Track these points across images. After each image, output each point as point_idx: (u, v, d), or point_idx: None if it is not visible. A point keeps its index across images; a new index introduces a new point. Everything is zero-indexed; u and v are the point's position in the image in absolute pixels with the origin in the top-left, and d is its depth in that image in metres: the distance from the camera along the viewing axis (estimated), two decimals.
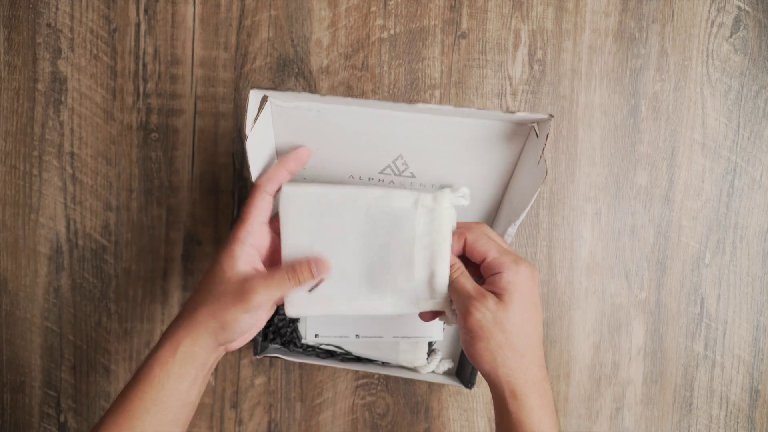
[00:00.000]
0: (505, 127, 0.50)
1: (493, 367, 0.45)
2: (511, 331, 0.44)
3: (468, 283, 0.47)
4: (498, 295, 0.45)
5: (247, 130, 0.46)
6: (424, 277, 0.49)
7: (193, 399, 0.48)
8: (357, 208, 0.49)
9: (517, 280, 0.45)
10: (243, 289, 0.46)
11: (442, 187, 0.56)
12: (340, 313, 0.50)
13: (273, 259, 0.50)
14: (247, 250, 0.47)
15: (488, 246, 0.47)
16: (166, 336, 0.47)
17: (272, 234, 0.50)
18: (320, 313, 0.50)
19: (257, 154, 0.50)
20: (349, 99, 0.47)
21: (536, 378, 0.46)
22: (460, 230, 0.49)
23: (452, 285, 0.47)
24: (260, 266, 0.49)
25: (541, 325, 0.47)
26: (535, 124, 0.49)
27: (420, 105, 0.46)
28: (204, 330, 0.46)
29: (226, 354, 0.66)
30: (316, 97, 0.47)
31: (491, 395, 0.47)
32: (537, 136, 0.48)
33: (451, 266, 0.48)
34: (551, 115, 0.46)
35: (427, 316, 0.51)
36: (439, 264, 0.48)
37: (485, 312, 0.44)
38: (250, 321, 0.47)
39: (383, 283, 0.50)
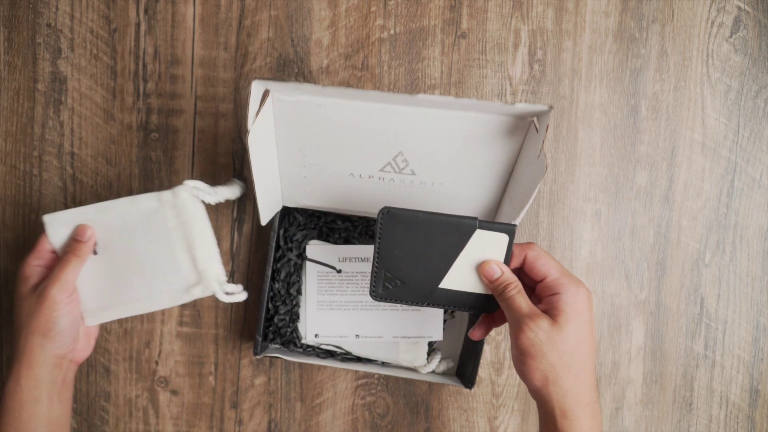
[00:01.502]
0: (505, 121, 0.50)
1: (544, 385, 0.45)
2: (566, 352, 0.45)
3: (524, 302, 0.47)
4: (554, 316, 0.46)
5: (249, 124, 0.46)
6: (188, 265, 0.55)
7: (58, 415, 0.52)
8: (113, 220, 0.55)
9: (576, 302, 0.46)
10: (39, 291, 0.52)
11: (442, 184, 0.56)
12: (129, 315, 0.57)
13: None
14: (34, 270, 0.54)
15: (550, 265, 0.48)
16: (7, 377, 0.51)
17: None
18: (113, 318, 0.56)
19: (258, 149, 0.50)
20: (350, 90, 0.47)
21: (589, 399, 0.46)
22: (521, 247, 0.50)
23: (507, 302, 0.47)
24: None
25: (594, 349, 0.47)
26: (535, 119, 0.49)
27: (421, 96, 0.46)
28: (32, 348, 0.50)
29: (226, 354, 0.66)
30: (318, 88, 0.47)
31: (538, 413, 0.48)
32: (537, 131, 0.48)
33: (509, 284, 0.48)
34: (551, 106, 0.46)
35: (477, 333, 0.53)
36: (198, 249, 0.55)
37: (538, 332, 0.45)
38: (65, 315, 0.51)
39: (158, 280, 0.55)
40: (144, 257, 0.55)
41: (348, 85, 0.64)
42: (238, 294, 0.57)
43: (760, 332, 0.67)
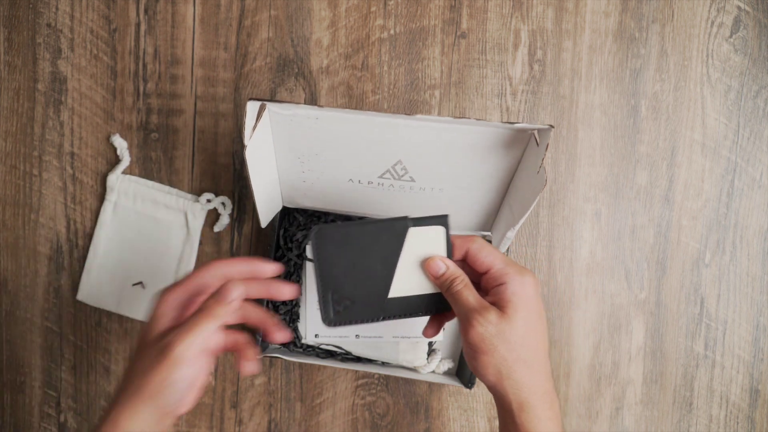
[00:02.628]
0: (505, 133, 0.50)
1: (498, 379, 0.45)
2: (516, 343, 0.44)
3: (471, 295, 0.46)
4: (502, 307, 0.45)
5: (246, 140, 0.46)
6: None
7: None
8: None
9: (522, 291, 0.45)
10: (163, 345, 0.44)
11: (442, 190, 0.56)
12: None
13: None
14: (167, 312, 0.46)
15: (493, 256, 0.47)
16: (105, 415, 0.44)
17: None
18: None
19: (257, 161, 0.50)
20: (347, 111, 0.47)
21: (544, 389, 0.45)
22: (463, 240, 0.48)
23: (455, 297, 0.46)
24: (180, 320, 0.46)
25: (546, 336, 0.47)
26: (536, 131, 0.49)
27: (419, 116, 0.46)
28: (140, 401, 0.43)
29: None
30: (314, 110, 0.47)
31: (496, 408, 0.47)
32: (537, 144, 0.48)
33: (455, 278, 0.47)
34: (551, 126, 0.46)
35: (430, 332, 0.52)
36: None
37: (487, 325, 0.44)
38: (184, 378, 0.43)
39: None
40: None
41: (348, 84, 0.64)
42: None
43: (760, 332, 0.67)
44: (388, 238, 0.48)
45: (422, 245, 0.48)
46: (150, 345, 0.45)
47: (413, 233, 0.48)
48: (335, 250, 0.48)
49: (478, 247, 0.47)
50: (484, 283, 0.48)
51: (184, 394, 0.44)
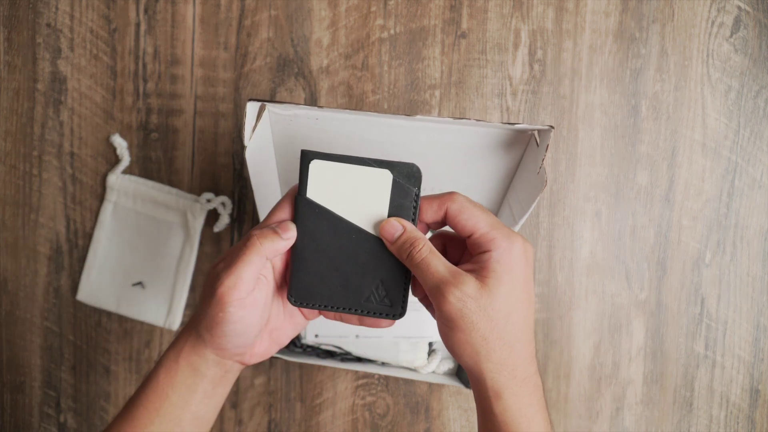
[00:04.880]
0: (505, 134, 0.50)
1: (476, 361, 0.38)
2: (499, 319, 0.38)
3: (439, 263, 0.38)
4: (483, 277, 0.38)
5: (246, 140, 0.46)
6: None
7: (205, 414, 0.43)
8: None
9: (509, 259, 0.38)
10: (211, 278, 0.39)
11: (441, 190, 0.56)
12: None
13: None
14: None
15: (476, 218, 0.39)
16: (172, 342, 0.43)
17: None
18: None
19: (257, 161, 0.50)
20: (347, 111, 0.47)
21: (526, 373, 0.39)
22: (440, 199, 0.40)
23: (419, 267, 0.38)
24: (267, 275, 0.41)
25: (533, 312, 0.40)
26: (536, 132, 0.49)
27: (419, 117, 0.46)
28: (201, 339, 0.41)
29: None
30: (314, 108, 0.47)
31: (473, 392, 0.41)
32: (537, 145, 0.48)
33: (414, 241, 0.39)
34: (551, 126, 0.45)
35: (419, 292, 0.43)
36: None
37: (464, 298, 0.37)
38: (233, 322, 0.39)
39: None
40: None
41: (348, 84, 0.64)
42: None
43: (760, 332, 0.67)
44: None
45: (368, 198, 0.40)
46: (209, 273, 0.40)
47: (378, 176, 0.40)
48: (315, 220, 0.41)
49: (459, 207, 0.40)
50: (469, 248, 0.41)
51: (240, 338, 0.40)
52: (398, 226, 0.39)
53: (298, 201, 0.41)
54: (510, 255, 0.38)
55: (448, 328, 0.38)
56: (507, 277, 0.38)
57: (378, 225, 0.41)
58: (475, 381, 0.40)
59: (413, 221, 0.40)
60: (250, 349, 0.42)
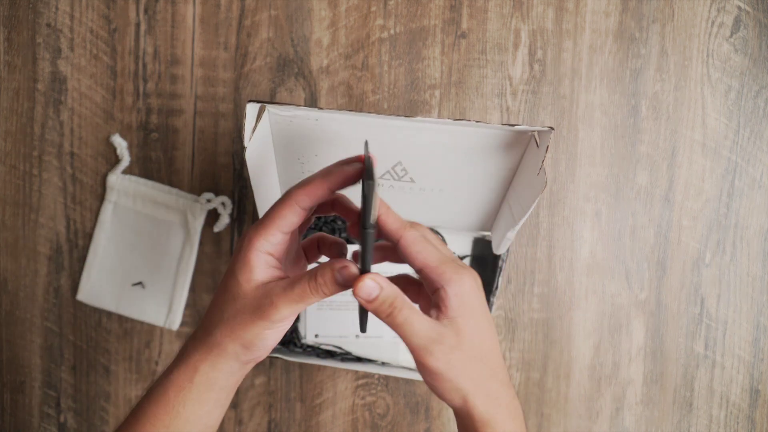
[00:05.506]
0: (505, 135, 0.50)
1: (464, 401, 0.41)
2: (475, 357, 0.40)
3: (421, 321, 0.39)
4: (451, 317, 0.40)
5: (246, 141, 0.46)
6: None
7: (214, 422, 0.44)
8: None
9: (463, 294, 0.40)
10: (263, 303, 0.40)
11: (442, 190, 0.56)
12: None
13: (292, 270, 0.46)
14: (264, 259, 0.41)
15: (426, 252, 0.40)
16: (181, 357, 0.42)
17: (294, 245, 0.45)
18: None
19: (257, 162, 0.50)
20: (347, 112, 0.47)
21: (508, 399, 0.42)
22: (397, 226, 0.41)
23: (402, 328, 0.39)
24: (279, 273, 0.42)
25: (496, 339, 0.42)
26: (536, 133, 0.49)
27: (419, 118, 0.46)
28: (223, 353, 0.41)
29: None
30: (314, 109, 0.47)
31: (457, 423, 0.43)
32: (537, 145, 0.48)
33: (394, 301, 0.39)
34: (551, 128, 0.45)
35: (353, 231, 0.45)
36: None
37: (449, 351, 0.39)
38: (275, 336, 0.41)
39: None
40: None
41: (348, 84, 0.64)
42: None
43: (760, 332, 0.67)
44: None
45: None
46: (245, 296, 0.41)
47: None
48: None
49: (410, 241, 0.40)
50: (422, 280, 0.42)
51: (271, 347, 0.42)
52: (374, 286, 0.38)
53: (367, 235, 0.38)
54: (462, 286, 0.40)
55: (434, 380, 0.40)
56: (468, 310, 0.40)
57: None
58: (462, 416, 0.42)
59: (372, 224, 0.38)
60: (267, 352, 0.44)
